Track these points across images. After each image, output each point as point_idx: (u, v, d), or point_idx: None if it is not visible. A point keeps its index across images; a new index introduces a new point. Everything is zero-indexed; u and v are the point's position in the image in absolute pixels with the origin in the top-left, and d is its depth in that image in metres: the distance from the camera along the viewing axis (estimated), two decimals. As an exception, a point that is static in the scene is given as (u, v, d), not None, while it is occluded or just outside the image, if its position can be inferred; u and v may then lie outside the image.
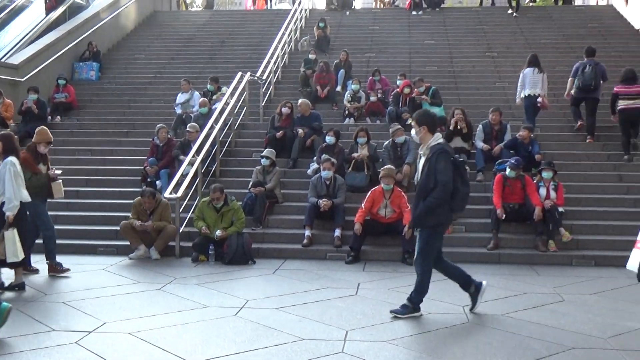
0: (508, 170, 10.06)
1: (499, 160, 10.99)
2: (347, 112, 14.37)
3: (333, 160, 10.69)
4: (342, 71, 16.08)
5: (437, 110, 13.24)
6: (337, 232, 9.95)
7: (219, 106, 12.87)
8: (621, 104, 12.09)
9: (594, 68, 12.49)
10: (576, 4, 26.35)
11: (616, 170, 11.97)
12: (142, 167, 12.00)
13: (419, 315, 6.69)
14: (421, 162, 6.67)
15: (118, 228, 9.90)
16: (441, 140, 6.63)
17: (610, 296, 7.71)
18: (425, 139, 6.64)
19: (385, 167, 10.07)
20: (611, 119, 12.52)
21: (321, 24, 19.05)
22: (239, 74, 13.99)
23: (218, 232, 9.50)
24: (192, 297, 7.45)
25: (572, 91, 12.82)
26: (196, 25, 22.14)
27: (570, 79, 12.95)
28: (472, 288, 6.89)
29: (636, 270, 4.90)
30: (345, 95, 14.76)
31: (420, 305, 6.73)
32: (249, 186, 10.88)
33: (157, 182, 11.58)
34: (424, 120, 6.67)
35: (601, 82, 12.60)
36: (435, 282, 8.13)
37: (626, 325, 6.45)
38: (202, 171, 11.12)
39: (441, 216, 6.55)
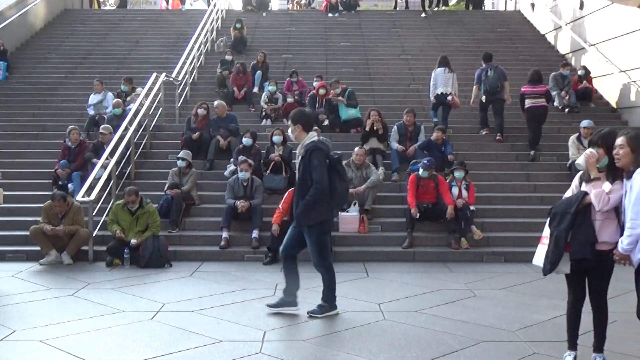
0: (421, 170, 10.28)
1: (413, 161, 11.21)
2: (264, 113, 14.38)
3: (250, 161, 10.68)
4: (259, 72, 16.07)
5: (353, 112, 13.47)
6: (255, 234, 9.94)
7: (133, 107, 12.64)
8: (528, 102, 12.70)
9: (495, 71, 13.01)
10: (486, 9, 27.22)
11: (524, 169, 12.47)
12: (52, 170, 11.65)
13: (335, 313, 6.76)
14: (297, 161, 6.72)
15: (27, 233, 9.56)
16: (315, 139, 6.64)
17: (519, 290, 8.01)
18: (300, 137, 6.68)
19: (302, 168, 10.13)
20: (523, 116, 13.07)
21: (238, 25, 18.96)
22: (154, 74, 13.76)
23: (133, 240, 9.32)
24: (106, 302, 7.29)
25: (483, 98, 13.23)
26: (109, 24, 21.60)
27: (475, 86, 13.42)
28: (291, 298, 6.87)
29: (542, 265, 5.12)
30: (262, 97, 14.76)
31: (336, 303, 6.81)
32: (165, 188, 10.74)
33: (69, 185, 11.27)
34: (298, 118, 6.69)
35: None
36: (352, 281, 8.31)
37: (533, 318, 6.73)
38: (117, 173, 10.89)
39: (322, 213, 6.59)
